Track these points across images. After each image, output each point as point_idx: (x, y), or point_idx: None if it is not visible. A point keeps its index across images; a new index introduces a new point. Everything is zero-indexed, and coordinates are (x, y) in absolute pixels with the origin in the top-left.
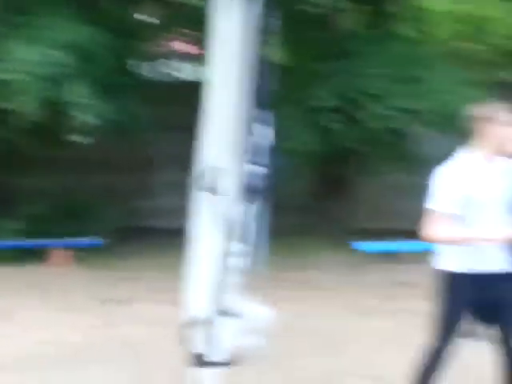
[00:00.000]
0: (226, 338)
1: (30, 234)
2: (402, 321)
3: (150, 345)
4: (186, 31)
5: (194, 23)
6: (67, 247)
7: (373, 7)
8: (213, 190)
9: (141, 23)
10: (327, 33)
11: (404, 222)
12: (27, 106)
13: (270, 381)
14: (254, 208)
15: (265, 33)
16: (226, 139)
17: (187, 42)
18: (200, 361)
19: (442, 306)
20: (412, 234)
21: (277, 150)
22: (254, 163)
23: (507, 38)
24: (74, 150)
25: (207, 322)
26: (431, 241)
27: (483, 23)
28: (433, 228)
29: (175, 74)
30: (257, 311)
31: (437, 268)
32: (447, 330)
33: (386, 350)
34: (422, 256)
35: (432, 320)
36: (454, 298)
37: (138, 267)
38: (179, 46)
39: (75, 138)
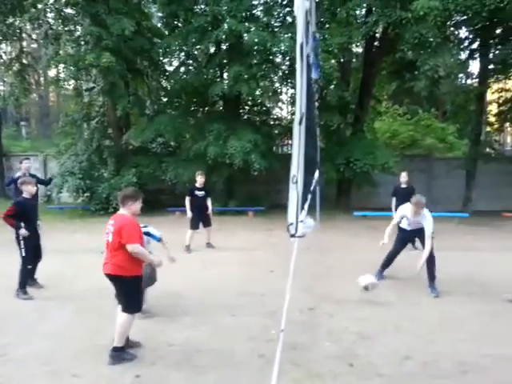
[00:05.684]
0: (300, 229)
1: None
2: None
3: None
4: None
5: None
6: (252, 210)
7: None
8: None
9: None
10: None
11: None
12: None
13: None
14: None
15: None
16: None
17: None
18: (292, 235)
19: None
20: None
21: None
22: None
23: (407, 138)
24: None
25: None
26: None
27: (396, 132)
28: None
29: None
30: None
31: None
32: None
33: None
34: None
35: None
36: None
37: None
38: None
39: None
